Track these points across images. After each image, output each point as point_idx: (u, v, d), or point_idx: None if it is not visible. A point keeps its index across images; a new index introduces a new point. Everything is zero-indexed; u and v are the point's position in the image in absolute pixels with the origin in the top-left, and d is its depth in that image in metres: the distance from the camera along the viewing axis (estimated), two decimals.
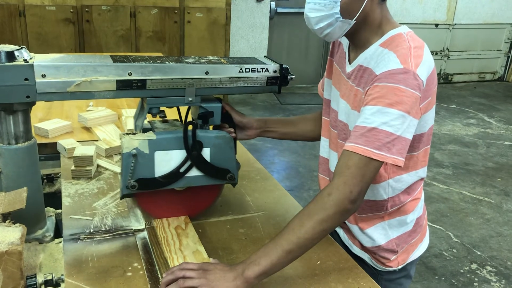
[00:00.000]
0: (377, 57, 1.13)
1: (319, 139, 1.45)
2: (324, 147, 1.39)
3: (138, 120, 1.24)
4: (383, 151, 1.03)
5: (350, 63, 1.22)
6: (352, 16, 1.11)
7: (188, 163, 1.19)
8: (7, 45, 1.11)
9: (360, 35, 1.17)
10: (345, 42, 1.28)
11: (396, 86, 1.04)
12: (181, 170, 1.19)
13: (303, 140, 1.58)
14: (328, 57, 1.38)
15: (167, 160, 1.18)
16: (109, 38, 4.73)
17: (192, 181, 1.22)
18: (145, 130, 1.21)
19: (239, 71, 1.27)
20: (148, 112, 1.21)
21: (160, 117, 1.25)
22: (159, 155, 1.16)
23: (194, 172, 1.21)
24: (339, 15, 1.10)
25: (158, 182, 1.18)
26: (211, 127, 1.29)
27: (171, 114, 1.33)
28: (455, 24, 7.18)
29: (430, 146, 1.26)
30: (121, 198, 1.20)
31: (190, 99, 1.21)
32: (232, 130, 1.34)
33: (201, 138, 1.19)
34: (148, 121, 1.27)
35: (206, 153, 1.21)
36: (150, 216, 1.30)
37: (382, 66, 1.09)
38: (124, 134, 1.16)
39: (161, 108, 1.23)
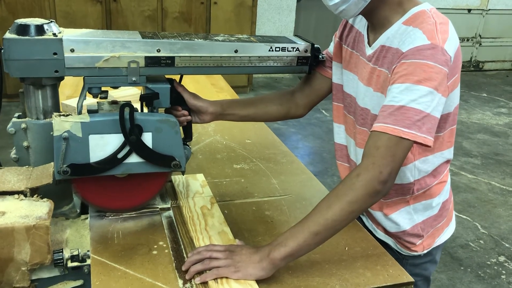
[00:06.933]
0: (400, 35, 1.08)
1: (281, 119, 1.43)
2: (339, 134, 1.36)
3: (79, 101, 1.14)
4: (413, 130, 0.99)
5: (370, 46, 1.18)
6: None
7: (127, 148, 1.10)
8: (36, 19, 1.11)
9: (379, 14, 1.13)
10: (361, 24, 1.23)
11: (424, 62, 1.01)
12: (119, 156, 1.10)
13: (264, 121, 1.51)
14: (336, 39, 1.32)
15: (103, 145, 1.09)
16: (136, 18, 4.73)
17: (132, 168, 1.13)
18: (91, 112, 1.12)
19: (269, 50, 1.24)
20: (88, 92, 1.13)
21: (101, 97, 1.16)
22: (94, 139, 1.08)
23: (134, 159, 1.12)
24: None
25: (93, 168, 1.09)
26: (161, 110, 1.20)
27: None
28: (489, 9, 6.94)
29: (455, 126, 1.22)
30: (56, 184, 1.11)
31: (134, 79, 1.13)
32: (186, 113, 1.24)
33: (141, 122, 1.09)
34: (97, 102, 1.18)
35: (147, 138, 1.11)
36: (90, 204, 1.22)
37: (408, 43, 1.04)
38: (56, 115, 1.08)
39: (105, 89, 1.14)
